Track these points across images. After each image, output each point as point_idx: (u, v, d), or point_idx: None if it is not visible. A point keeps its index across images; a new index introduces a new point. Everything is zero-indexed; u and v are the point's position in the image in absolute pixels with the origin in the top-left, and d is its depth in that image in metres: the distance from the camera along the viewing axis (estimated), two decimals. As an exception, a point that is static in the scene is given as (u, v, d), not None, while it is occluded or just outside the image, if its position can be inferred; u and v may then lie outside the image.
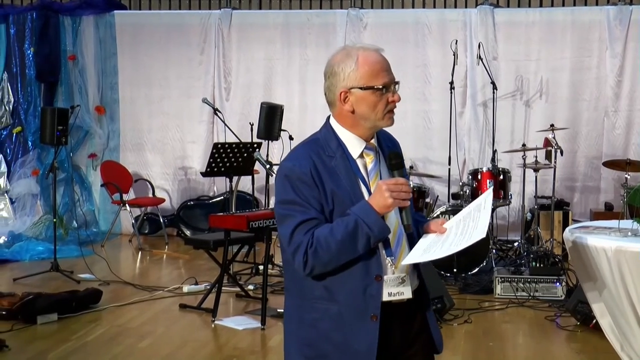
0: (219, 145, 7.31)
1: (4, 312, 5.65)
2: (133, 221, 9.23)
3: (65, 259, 7.64)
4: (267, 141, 7.68)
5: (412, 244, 2.41)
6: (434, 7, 9.72)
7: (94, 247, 8.28)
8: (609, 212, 8.38)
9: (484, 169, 7.50)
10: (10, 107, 9.88)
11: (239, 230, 5.78)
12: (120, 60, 9.90)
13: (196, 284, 6.82)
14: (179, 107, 9.81)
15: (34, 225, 9.17)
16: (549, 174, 7.84)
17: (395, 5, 9.83)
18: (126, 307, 6.18)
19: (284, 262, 2.45)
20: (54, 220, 7.60)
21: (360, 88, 2.32)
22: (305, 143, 2.41)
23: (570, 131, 8.73)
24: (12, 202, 9.63)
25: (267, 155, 7.67)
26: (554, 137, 7.35)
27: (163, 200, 9.56)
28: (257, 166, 7.43)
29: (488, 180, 7.36)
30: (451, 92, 8.35)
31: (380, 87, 2.32)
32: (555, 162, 7.34)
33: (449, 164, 8.36)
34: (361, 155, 2.39)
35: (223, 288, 6.01)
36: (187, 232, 9.43)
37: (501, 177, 7.43)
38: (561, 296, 6.24)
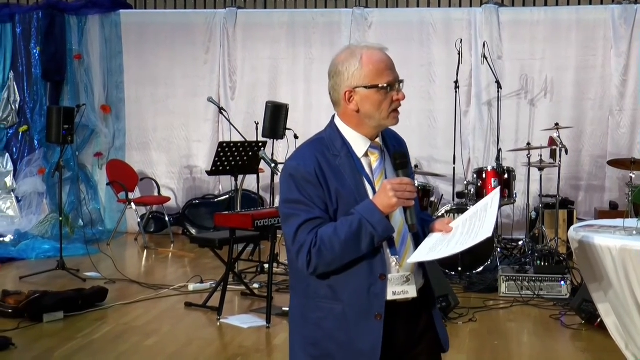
0: (225, 144, 7.32)
1: (10, 311, 5.67)
2: (139, 220, 9.24)
3: (71, 258, 7.65)
4: (272, 140, 7.70)
5: (417, 243, 2.40)
6: (439, 6, 9.71)
7: (100, 246, 8.31)
8: (613, 210, 8.37)
9: (489, 168, 7.50)
10: (17, 106, 9.90)
11: (244, 228, 5.80)
12: (126, 59, 9.91)
13: (201, 282, 6.83)
14: (184, 106, 9.82)
15: (40, 223, 9.20)
16: (553, 173, 7.82)
17: (400, 4, 9.82)
18: (132, 306, 6.20)
19: (289, 261, 2.44)
20: (60, 218, 7.62)
21: (365, 87, 2.31)
22: (310, 142, 2.41)
23: (575, 130, 8.73)
24: (18, 201, 9.65)
25: (272, 154, 7.67)
26: (558, 136, 7.33)
27: (168, 199, 9.58)
28: (263, 165, 7.44)
29: (493, 179, 7.36)
30: (456, 91, 8.34)
31: (385, 85, 2.32)
32: (560, 161, 7.33)
33: (454, 162, 8.35)
34: (366, 154, 2.38)
35: (228, 286, 6.02)
36: (193, 231, 9.44)
37: (506, 176, 7.42)
38: (566, 295, 6.24)
